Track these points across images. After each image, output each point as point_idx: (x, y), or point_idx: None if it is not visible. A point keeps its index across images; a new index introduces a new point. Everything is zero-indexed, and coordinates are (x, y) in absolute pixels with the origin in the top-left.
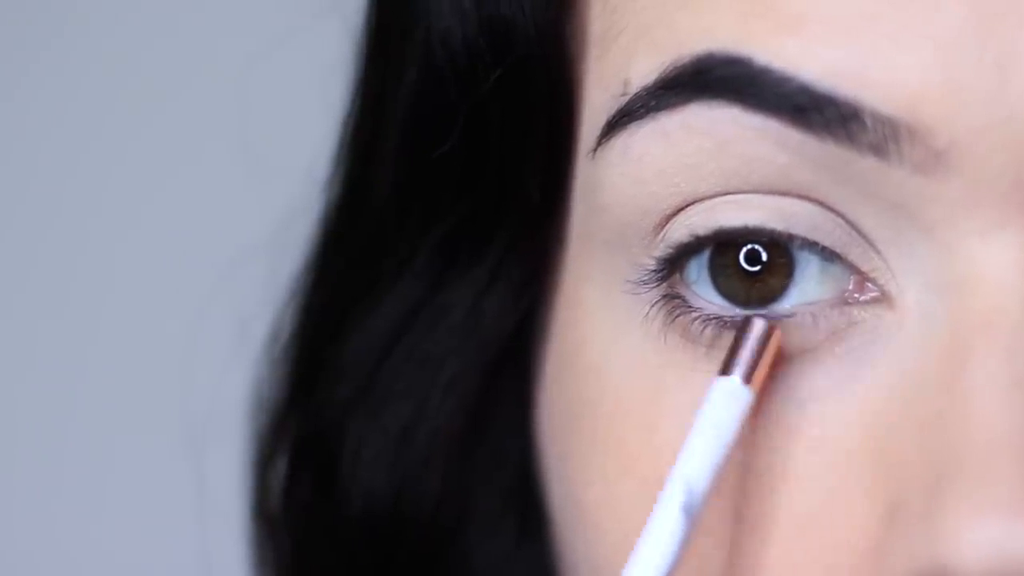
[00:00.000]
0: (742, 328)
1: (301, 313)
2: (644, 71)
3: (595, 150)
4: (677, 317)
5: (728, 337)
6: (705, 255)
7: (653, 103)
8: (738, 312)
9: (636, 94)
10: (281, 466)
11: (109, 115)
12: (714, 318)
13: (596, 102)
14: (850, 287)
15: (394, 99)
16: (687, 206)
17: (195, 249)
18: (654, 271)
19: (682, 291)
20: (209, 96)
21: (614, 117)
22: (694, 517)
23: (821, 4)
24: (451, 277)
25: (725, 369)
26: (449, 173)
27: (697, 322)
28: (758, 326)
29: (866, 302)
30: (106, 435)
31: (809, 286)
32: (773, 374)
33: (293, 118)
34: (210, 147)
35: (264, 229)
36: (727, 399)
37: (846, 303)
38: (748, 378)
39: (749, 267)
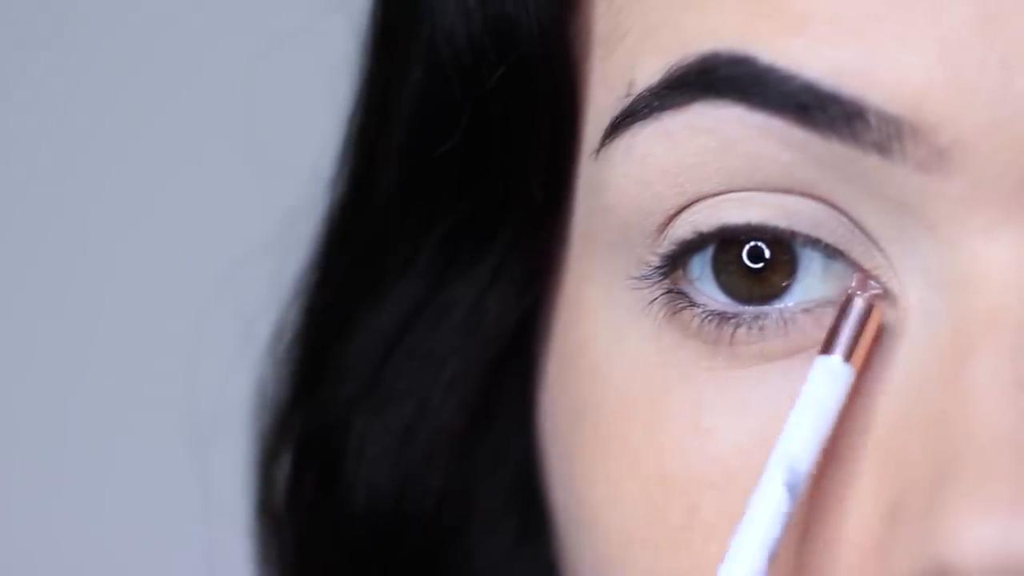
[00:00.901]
0: (843, 306)
1: (305, 312)
2: (649, 72)
3: (598, 151)
4: (678, 313)
5: (729, 331)
6: (708, 252)
7: (657, 103)
8: (740, 309)
9: (640, 95)
10: (285, 464)
11: (113, 114)
12: (716, 314)
13: (600, 102)
14: (853, 285)
15: (398, 97)
16: (691, 204)
17: (199, 248)
18: (657, 267)
19: (685, 288)
20: (213, 95)
21: (618, 118)
22: (798, 495)
23: (826, 4)
24: (453, 275)
25: (826, 348)
26: (452, 171)
27: (699, 319)
28: (858, 304)
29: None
30: (111, 433)
31: (812, 283)
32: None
33: (297, 117)
34: (214, 146)
35: (268, 228)
36: (829, 377)
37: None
38: (849, 356)
39: (752, 264)
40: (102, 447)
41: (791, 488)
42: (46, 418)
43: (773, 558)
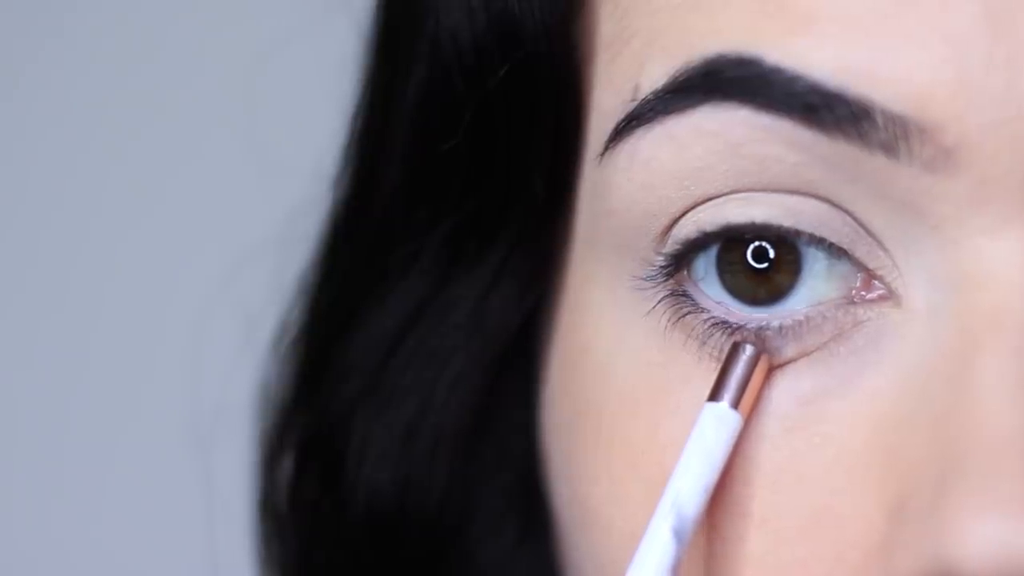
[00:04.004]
0: (731, 354)
1: (307, 311)
2: (654, 76)
3: (603, 154)
4: (683, 317)
5: (730, 338)
6: (713, 252)
7: (662, 107)
8: (743, 318)
9: (645, 99)
10: (287, 464)
11: (116, 112)
12: (720, 323)
13: (605, 106)
14: (857, 285)
15: (402, 95)
16: (696, 206)
17: (202, 247)
18: (661, 267)
19: (688, 288)
20: (217, 93)
21: (622, 122)
22: (684, 540)
23: (831, 3)
24: (457, 274)
25: (714, 395)
26: (456, 170)
27: (701, 322)
28: (747, 352)
29: (873, 300)
30: (113, 433)
31: (816, 283)
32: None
33: (300, 116)
34: (217, 145)
35: (271, 227)
36: (716, 424)
37: (852, 302)
38: (736, 403)
39: (756, 264)
40: (105, 446)
41: (678, 533)
42: (49, 417)
43: None
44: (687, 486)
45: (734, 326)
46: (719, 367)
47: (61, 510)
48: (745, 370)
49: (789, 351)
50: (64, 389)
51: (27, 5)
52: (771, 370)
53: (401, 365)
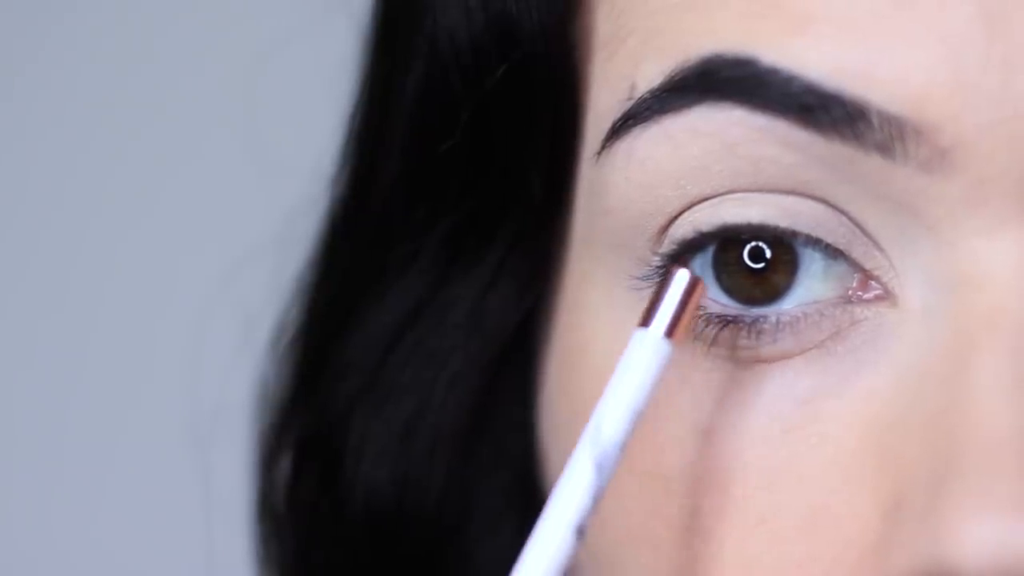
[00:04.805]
0: (666, 279)
1: (306, 310)
2: (651, 75)
3: (600, 153)
4: None
5: (730, 334)
6: (709, 252)
7: (658, 106)
8: (740, 312)
9: (642, 98)
10: (285, 463)
11: (114, 113)
12: (716, 317)
13: (602, 105)
14: (854, 285)
15: (400, 95)
16: (692, 206)
17: (200, 247)
18: (658, 267)
19: None
20: (215, 93)
21: (619, 121)
22: (606, 471)
23: (827, 3)
24: (455, 273)
25: (645, 320)
26: (454, 169)
27: (699, 320)
28: (682, 277)
29: (869, 300)
30: (112, 432)
31: (813, 284)
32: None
33: (299, 115)
34: (215, 144)
35: (269, 226)
36: (645, 352)
37: (849, 301)
38: (670, 332)
39: (753, 264)
40: (103, 446)
41: (600, 465)
42: (47, 418)
43: (582, 533)
44: (611, 416)
45: (729, 319)
46: (654, 291)
47: (59, 510)
48: (681, 298)
49: (787, 344)
50: (63, 389)
51: (26, 5)
52: (765, 363)
53: (399, 364)
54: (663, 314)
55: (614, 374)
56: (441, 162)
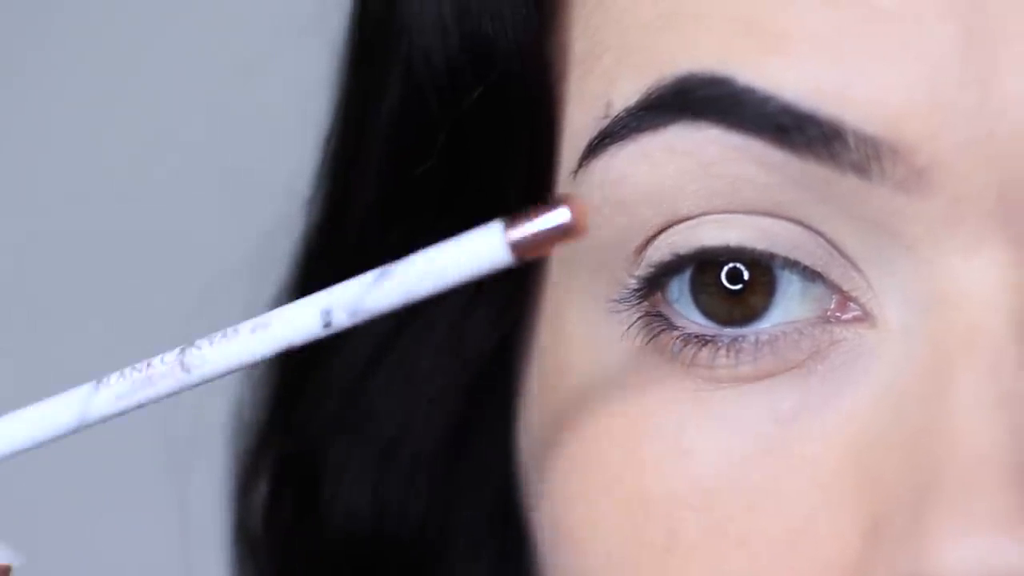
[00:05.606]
0: (550, 206)
1: None
2: (626, 93)
3: (576, 171)
4: (657, 336)
5: (708, 354)
6: (687, 274)
7: (635, 124)
8: (718, 331)
9: (618, 116)
10: (263, 487)
11: (91, 131)
12: (695, 337)
13: (578, 123)
14: (832, 307)
15: (376, 116)
16: (669, 226)
17: (175, 269)
18: (635, 290)
19: (663, 310)
20: (191, 114)
21: (595, 139)
22: (340, 323)
23: (804, 23)
24: (432, 296)
25: (509, 224)
26: (430, 190)
27: (677, 342)
28: (563, 215)
29: (848, 321)
30: (88, 455)
31: (791, 305)
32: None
33: (274, 136)
34: (189, 167)
35: (244, 249)
36: (485, 250)
37: (828, 321)
38: (522, 252)
39: (731, 286)
40: (80, 469)
41: (328, 312)
42: None
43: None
44: (350, 289)
45: (707, 338)
46: (533, 211)
47: (35, 531)
48: (552, 229)
49: (766, 364)
50: None
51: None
52: (745, 383)
53: (377, 387)
54: (528, 231)
55: (437, 246)
56: (418, 183)
